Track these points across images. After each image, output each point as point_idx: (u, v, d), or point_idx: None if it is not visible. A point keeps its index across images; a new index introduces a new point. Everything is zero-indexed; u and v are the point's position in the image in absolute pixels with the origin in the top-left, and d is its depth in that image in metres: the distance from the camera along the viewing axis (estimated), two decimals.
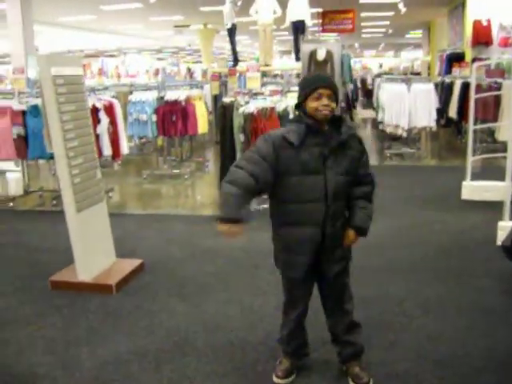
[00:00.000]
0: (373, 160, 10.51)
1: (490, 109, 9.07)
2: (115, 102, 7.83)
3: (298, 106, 2.83)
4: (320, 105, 2.68)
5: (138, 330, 3.74)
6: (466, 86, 9.96)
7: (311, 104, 2.70)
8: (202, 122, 9.08)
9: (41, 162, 8.88)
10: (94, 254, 4.57)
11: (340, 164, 2.74)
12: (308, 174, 2.70)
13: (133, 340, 3.61)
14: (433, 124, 9.92)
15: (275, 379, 3.07)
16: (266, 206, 6.83)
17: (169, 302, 4.17)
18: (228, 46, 16.06)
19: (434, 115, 9.85)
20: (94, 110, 7.00)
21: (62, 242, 5.01)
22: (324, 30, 17.83)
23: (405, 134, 10.09)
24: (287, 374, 3.08)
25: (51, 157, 6.36)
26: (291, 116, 6.43)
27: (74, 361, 3.37)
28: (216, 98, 12.15)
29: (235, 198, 2.64)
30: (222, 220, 2.64)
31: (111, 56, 19.38)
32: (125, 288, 4.44)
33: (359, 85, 20.89)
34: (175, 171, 9.29)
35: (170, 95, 8.67)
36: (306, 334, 3.15)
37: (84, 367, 3.29)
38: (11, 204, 7.37)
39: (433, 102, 9.85)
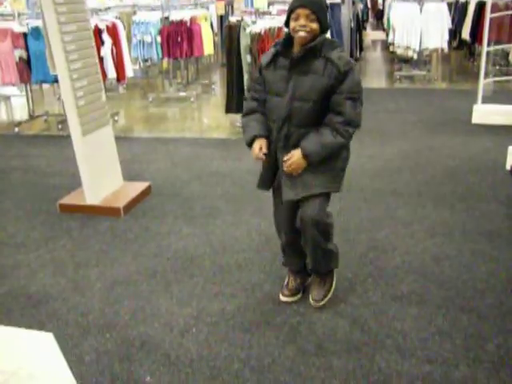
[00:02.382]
0: (382, 83, 10.34)
1: (506, 30, 8.80)
2: (118, 22, 7.62)
3: (287, 25, 2.72)
4: (297, 25, 2.61)
5: (147, 252, 3.79)
6: (481, 6, 9.63)
7: (291, 24, 2.64)
8: (208, 43, 8.87)
9: (45, 86, 8.77)
10: (101, 177, 4.58)
11: (300, 89, 2.66)
12: (273, 94, 2.77)
13: (141, 261, 3.67)
14: (445, 45, 9.65)
15: (282, 297, 3.13)
16: None
17: (176, 224, 4.21)
18: None
19: (447, 36, 9.56)
20: (97, 32, 6.83)
21: (70, 165, 5.02)
22: None
23: (415, 56, 9.85)
24: (293, 293, 3.14)
25: (55, 80, 6.28)
26: None
27: (85, 282, 3.44)
28: (222, 19, 11.81)
29: (246, 127, 2.90)
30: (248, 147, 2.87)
31: None
32: (133, 210, 4.48)
33: (369, 5, 20.23)
34: (181, 94, 9.16)
35: (175, 15, 8.43)
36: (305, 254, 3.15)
37: (94, 288, 3.36)
38: (17, 129, 7.33)
39: (445, 22, 9.53)
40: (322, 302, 3.04)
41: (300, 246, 3.08)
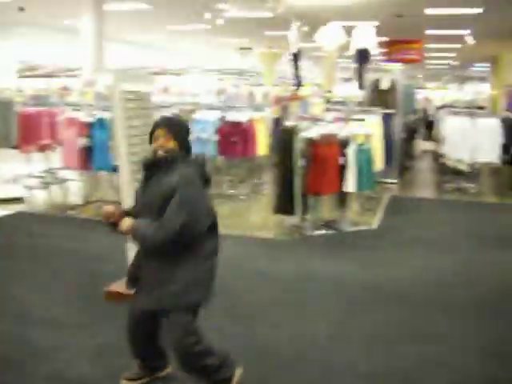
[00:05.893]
0: (431, 193, 10.31)
1: None
2: None
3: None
4: (156, 146, 2.98)
5: None
6: None
7: (153, 146, 3.01)
8: (263, 144, 9.12)
9: (101, 172, 9.10)
10: None
11: (154, 200, 2.94)
12: None
13: None
14: (496, 160, 9.65)
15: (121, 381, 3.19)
16: (322, 231, 6.78)
17: (221, 322, 4.15)
18: (289, 70, 16.12)
19: (498, 151, 9.57)
20: None
21: (119, 253, 5.09)
22: (389, 60, 17.54)
23: (467, 169, 9.84)
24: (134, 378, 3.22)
25: (114, 169, 6.53)
26: (352, 143, 6.40)
27: (121, 371, 3.39)
28: (276, 122, 12.18)
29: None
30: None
31: (176, 74, 19.87)
32: None
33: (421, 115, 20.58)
34: (232, 191, 9.33)
35: (232, 116, 8.76)
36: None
37: None
38: (71, 212, 7.56)
39: (498, 137, 9.58)
40: None
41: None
